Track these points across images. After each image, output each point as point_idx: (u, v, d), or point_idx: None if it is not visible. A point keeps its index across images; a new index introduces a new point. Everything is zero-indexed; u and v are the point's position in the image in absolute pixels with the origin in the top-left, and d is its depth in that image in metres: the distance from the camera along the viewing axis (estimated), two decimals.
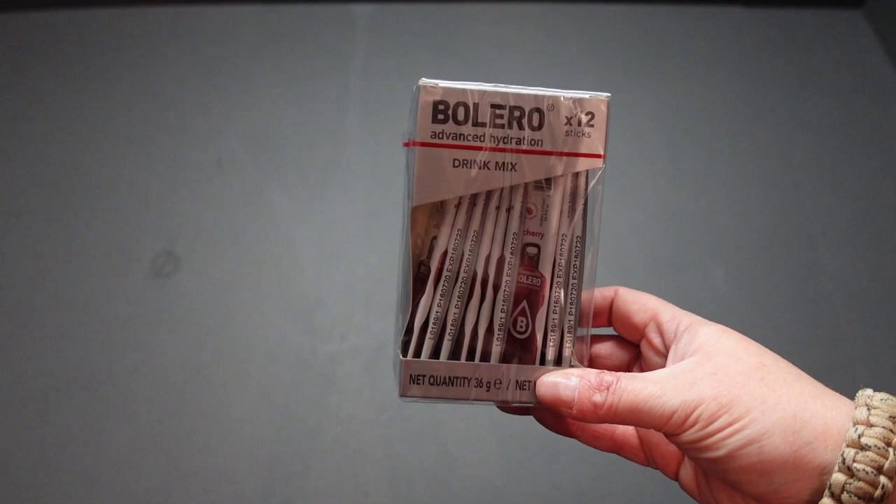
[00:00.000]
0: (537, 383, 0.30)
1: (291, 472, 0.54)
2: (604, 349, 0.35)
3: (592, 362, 0.35)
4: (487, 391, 0.31)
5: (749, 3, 0.86)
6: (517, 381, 0.31)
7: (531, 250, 0.31)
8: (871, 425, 0.24)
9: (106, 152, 0.73)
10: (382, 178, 0.72)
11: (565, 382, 0.29)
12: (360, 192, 0.71)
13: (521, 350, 0.31)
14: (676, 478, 0.32)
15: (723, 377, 0.27)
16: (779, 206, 0.69)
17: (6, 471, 0.53)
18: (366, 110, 0.77)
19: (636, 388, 0.27)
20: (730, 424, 0.25)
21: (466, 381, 0.30)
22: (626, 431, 0.34)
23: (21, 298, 0.63)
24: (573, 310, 0.31)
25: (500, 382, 0.31)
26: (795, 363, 0.64)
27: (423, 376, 0.30)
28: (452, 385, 0.30)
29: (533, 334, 0.31)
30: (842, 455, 0.24)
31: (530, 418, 0.35)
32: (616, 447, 0.34)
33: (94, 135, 0.74)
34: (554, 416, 0.33)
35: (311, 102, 0.78)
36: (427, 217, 0.32)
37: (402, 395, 0.31)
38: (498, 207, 0.31)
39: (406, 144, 0.32)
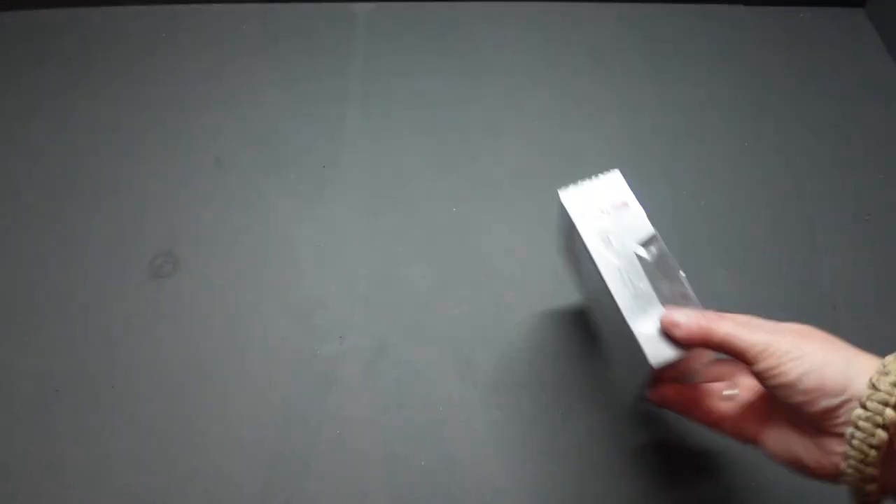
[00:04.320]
0: (662, 313, 0.42)
1: (291, 472, 0.54)
2: None
3: None
4: None
5: (750, 2, 0.86)
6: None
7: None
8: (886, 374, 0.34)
9: (106, 152, 0.73)
10: (382, 178, 0.72)
11: (682, 312, 0.41)
12: (360, 192, 0.71)
13: None
14: (760, 441, 0.41)
15: (795, 334, 0.38)
16: (779, 206, 0.69)
17: (6, 471, 0.54)
18: (366, 110, 0.77)
19: (730, 324, 0.39)
20: (798, 358, 0.35)
21: None
22: (725, 408, 0.43)
23: (21, 298, 0.63)
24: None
25: None
26: None
27: None
28: None
29: None
30: (870, 379, 0.34)
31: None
32: (715, 422, 0.44)
33: (93, 135, 0.74)
34: (674, 390, 0.45)
35: (311, 102, 0.78)
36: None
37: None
38: None
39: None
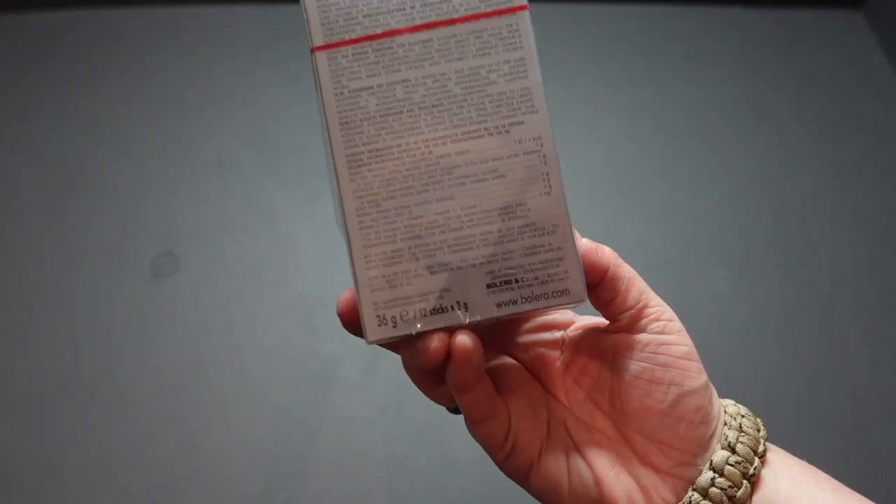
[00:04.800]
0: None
1: (291, 472, 0.54)
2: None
3: None
4: None
5: (749, 4, 0.87)
6: None
7: None
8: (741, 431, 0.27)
9: (106, 153, 0.73)
10: None
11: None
12: None
13: None
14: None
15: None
16: (779, 206, 0.69)
17: (6, 471, 0.54)
18: None
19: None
20: (687, 338, 0.26)
21: None
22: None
23: (21, 298, 0.63)
24: None
25: None
26: (795, 363, 0.65)
27: None
28: None
29: None
30: (732, 417, 0.27)
31: None
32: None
33: (94, 135, 0.74)
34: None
35: (311, 102, 0.78)
36: None
37: None
38: None
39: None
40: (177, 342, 0.61)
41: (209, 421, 0.56)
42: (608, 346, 0.27)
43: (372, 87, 0.24)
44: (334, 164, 0.24)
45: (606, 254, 0.25)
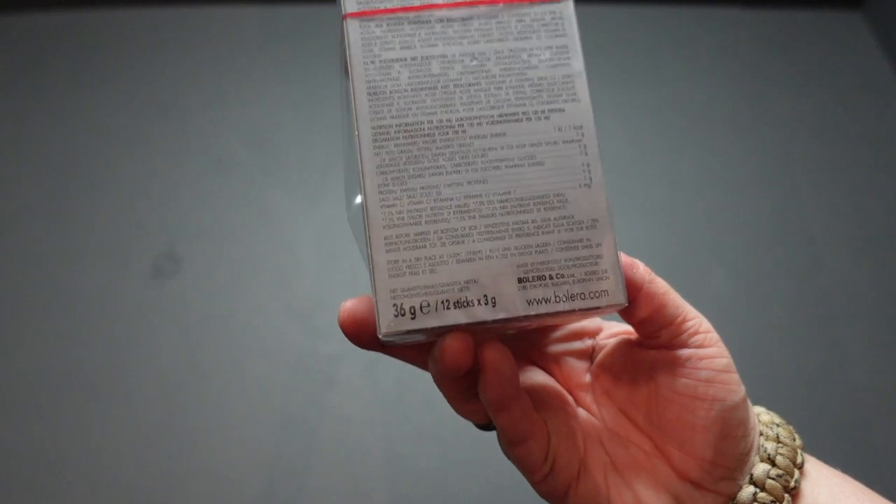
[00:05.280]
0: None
1: (291, 472, 0.54)
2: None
3: None
4: None
5: (749, 4, 0.87)
6: None
7: None
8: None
9: (107, 153, 0.73)
10: None
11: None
12: None
13: None
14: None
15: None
16: (779, 206, 0.69)
17: (6, 471, 0.54)
18: None
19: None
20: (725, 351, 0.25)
21: None
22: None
23: (21, 298, 0.63)
24: None
25: None
26: (794, 363, 0.65)
27: None
28: None
29: None
30: (769, 428, 0.26)
31: None
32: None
33: (94, 135, 0.74)
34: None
35: (311, 102, 0.78)
36: None
37: None
38: None
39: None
40: (177, 342, 0.61)
41: (209, 420, 0.56)
42: (644, 361, 0.25)
43: (405, 59, 0.23)
44: (358, 135, 0.22)
45: (640, 270, 0.24)
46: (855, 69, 0.81)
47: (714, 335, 0.25)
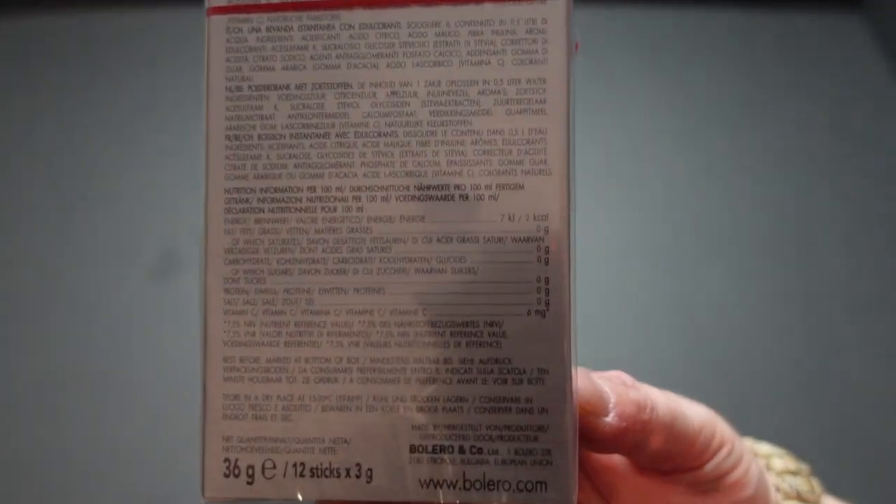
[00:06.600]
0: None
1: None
2: None
3: None
4: None
5: (748, 4, 0.86)
6: None
7: None
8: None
9: (107, 152, 0.74)
10: None
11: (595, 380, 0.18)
12: None
13: None
14: None
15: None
16: (778, 206, 0.69)
17: (7, 471, 0.54)
18: None
19: (658, 392, 0.18)
20: (748, 456, 0.20)
21: None
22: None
23: (22, 298, 0.63)
24: None
25: None
26: (793, 364, 0.64)
27: None
28: None
29: None
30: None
31: None
32: None
33: (95, 135, 0.75)
34: None
35: None
36: None
37: None
38: None
39: None
40: (178, 342, 0.61)
41: None
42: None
43: (288, 88, 0.15)
44: (205, 199, 0.16)
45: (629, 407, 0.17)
46: (853, 68, 0.80)
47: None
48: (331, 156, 0.15)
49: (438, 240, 0.15)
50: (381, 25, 0.15)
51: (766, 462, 0.22)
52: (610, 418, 0.16)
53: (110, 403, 0.59)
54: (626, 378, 0.18)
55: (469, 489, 0.14)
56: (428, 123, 0.15)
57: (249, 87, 0.15)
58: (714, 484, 0.19)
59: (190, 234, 0.69)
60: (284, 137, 0.15)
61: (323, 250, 0.15)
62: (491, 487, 0.14)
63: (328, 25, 0.15)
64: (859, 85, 0.78)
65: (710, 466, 0.18)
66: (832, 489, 0.33)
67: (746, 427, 0.23)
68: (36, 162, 0.75)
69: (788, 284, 0.65)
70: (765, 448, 0.22)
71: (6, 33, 0.84)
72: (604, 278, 0.61)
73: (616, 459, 0.19)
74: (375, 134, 0.15)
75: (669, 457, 0.18)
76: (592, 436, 0.16)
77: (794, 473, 0.22)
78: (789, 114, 0.77)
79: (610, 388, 0.17)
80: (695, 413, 0.18)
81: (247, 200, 0.15)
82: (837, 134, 0.75)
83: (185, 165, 0.74)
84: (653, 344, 0.62)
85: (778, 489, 0.21)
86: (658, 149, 0.74)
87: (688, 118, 0.76)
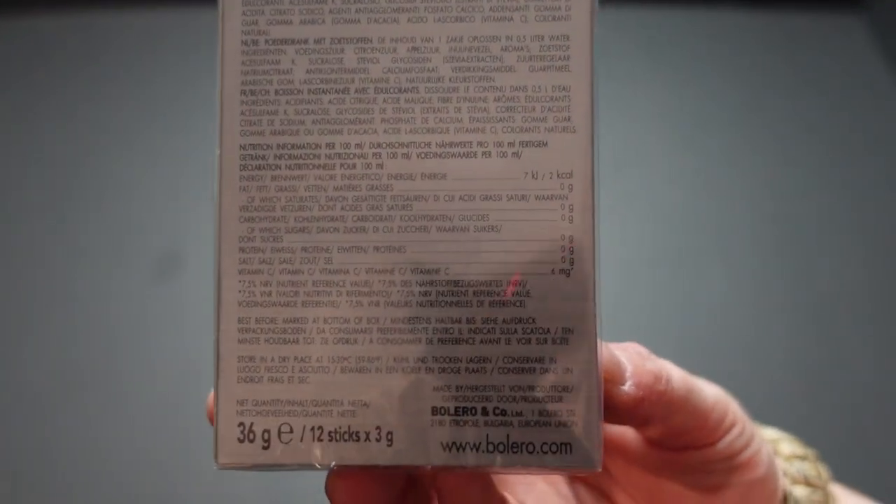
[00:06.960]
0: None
1: (291, 471, 0.55)
2: None
3: None
4: None
5: (749, 4, 0.86)
6: None
7: None
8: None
9: (108, 152, 0.73)
10: None
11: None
12: None
13: None
14: None
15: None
16: (779, 206, 0.69)
17: (6, 471, 0.54)
18: None
19: (672, 365, 0.18)
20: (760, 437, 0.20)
21: None
22: None
23: (21, 298, 0.63)
24: None
25: None
26: (795, 364, 0.64)
27: None
28: None
29: None
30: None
31: None
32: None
33: (95, 134, 0.75)
34: None
35: None
36: None
37: None
38: None
39: None
40: (179, 342, 0.61)
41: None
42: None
43: (306, 42, 0.15)
44: (219, 156, 0.15)
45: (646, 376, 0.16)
46: (855, 69, 0.80)
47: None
48: (350, 112, 0.15)
49: (461, 198, 0.14)
50: None
51: (774, 447, 0.22)
52: (627, 387, 0.16)
53: (110, 403, 0.58)
54: (642, 349, 0.18)
55: (492, 452, 0.14)
56: (450, 80, 0.15)
57: (266, 41, 0.15)
58: (726, 463, 0.18)
59: (192, 235, 0.69)
60: (302, 93, 0.15)
61: (342, 208, 0.14)
62: (515, 450, 0.14)
63: None
64: (860, 85, 0.79)
65: (722, 444, 0.18)
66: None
67: None
68: (36, 162, 0.75)
69: (792, 285, 0.65)
70: (772, 433, 0.22)
71: (6, 33, 0.84)
72: (605, 278, 0.61)
73: (629, 436, 0.19)
74: (396, 90, 0.15)
75: (684, 431, 0.18)
76: (608, 404, 0.15)
77: (802, 458, 0.22)
78: (789, 114, 0.77)
79: (626, 357, 0.17)
80: (709, 390, 0.18)
81: (263, 157, 0.15)
82: (839, 134, 0.75)
83: (186, 165, 0.74)
84: (655, 344, 0.62)
85: (785, 473, 0.21)
86: (658, 149, 0.75)
87: (687, 118, 0.76)
